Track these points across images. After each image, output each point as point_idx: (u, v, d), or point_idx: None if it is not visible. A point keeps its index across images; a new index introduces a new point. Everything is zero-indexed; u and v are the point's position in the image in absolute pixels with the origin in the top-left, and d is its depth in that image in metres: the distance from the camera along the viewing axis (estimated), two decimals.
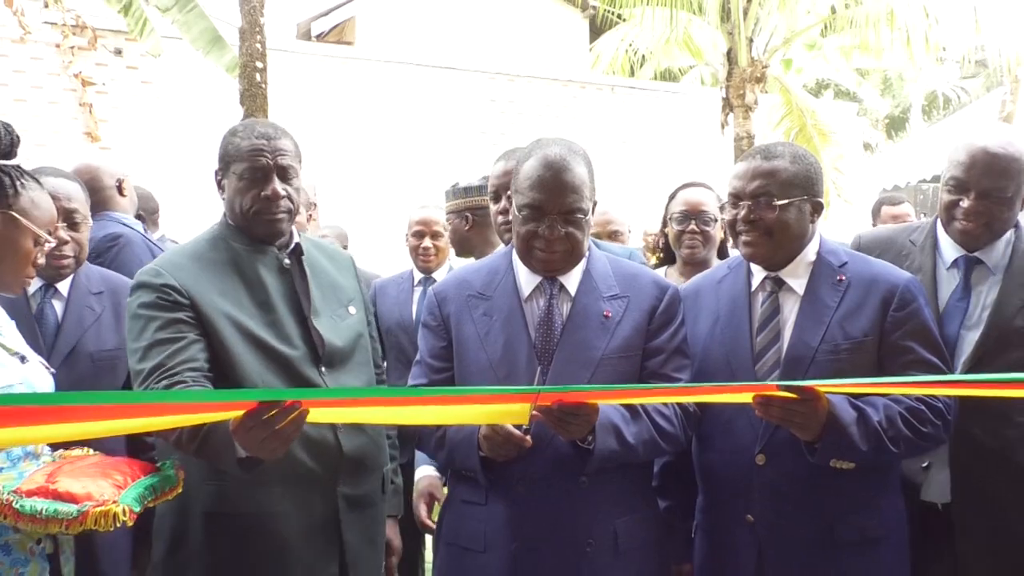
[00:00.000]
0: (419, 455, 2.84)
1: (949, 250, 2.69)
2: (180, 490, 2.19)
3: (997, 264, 2.64)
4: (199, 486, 2.35)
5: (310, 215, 4.52)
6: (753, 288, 2.50)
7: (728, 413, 2.41)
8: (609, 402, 2.24)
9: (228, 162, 2.44)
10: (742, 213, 2.41)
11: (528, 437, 2.21)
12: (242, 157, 2.41)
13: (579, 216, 2.32)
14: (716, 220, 3.52)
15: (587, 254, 2.43)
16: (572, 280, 2.40)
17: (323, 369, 2.45)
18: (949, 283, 2.68)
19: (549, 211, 2.30)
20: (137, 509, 2.00)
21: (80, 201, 2.61)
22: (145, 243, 3.43)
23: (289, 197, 2.44)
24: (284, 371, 2.39)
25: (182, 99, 9.78)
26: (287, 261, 2.49)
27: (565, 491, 2.28)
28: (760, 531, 2.39)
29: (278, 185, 2.41)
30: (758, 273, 2.50)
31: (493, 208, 3.03)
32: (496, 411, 2.16)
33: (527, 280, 2.41)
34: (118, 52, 10.12)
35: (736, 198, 2.43)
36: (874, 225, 5.33)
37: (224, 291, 2.38)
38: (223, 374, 2.31)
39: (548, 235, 2.30)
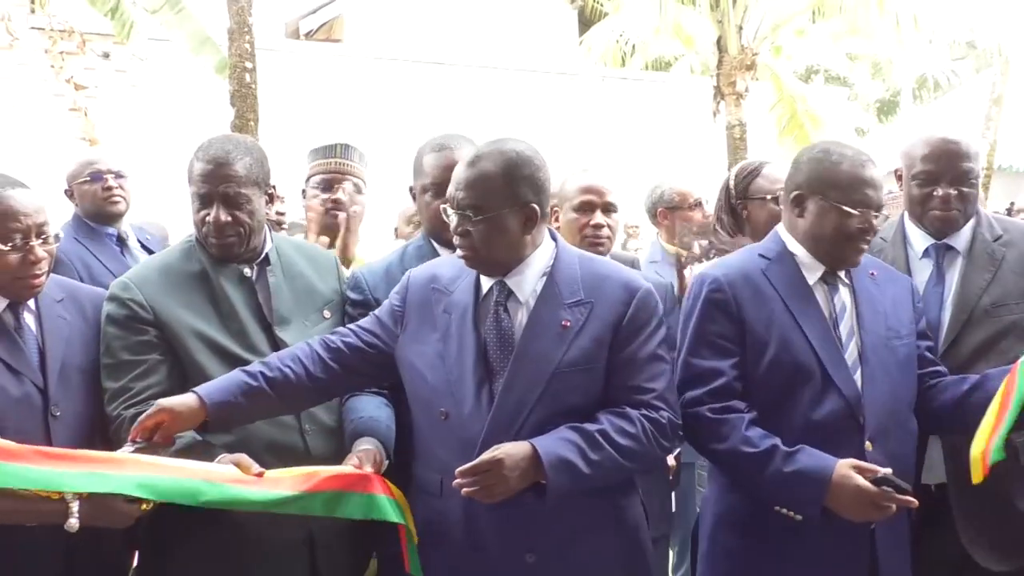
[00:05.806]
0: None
1: (919, 240, 2.80)
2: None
3: (966, 248, 2.75)
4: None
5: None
6: (812, 282, 2.46)
7: (808, 420, 2.35)
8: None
9: (189, 181, 2.45)
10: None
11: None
12: (192, 179, 2.42)
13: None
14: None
15: (555, 255, 2.29)
16: (524, 285, 2.25)
17: None
18: (922, 271, 2.77)
19: None
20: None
21: (45, 213, 2.51)
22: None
23: (238, 222, 2.39)
24: None
25: (172, 101, 9.75)
26: (247, 272, 2.46)
27: (513, 499, 2.13)
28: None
29: (222, 213, 2.37)
30: (812, 269, 2.47)
31: (432, 203, 2.61)
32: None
33: (487, 280, 2.28)
34: (106, 56, 10.09)
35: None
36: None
37: (189, 303, 2.41)
38: (193, 384, 2.27)
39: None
